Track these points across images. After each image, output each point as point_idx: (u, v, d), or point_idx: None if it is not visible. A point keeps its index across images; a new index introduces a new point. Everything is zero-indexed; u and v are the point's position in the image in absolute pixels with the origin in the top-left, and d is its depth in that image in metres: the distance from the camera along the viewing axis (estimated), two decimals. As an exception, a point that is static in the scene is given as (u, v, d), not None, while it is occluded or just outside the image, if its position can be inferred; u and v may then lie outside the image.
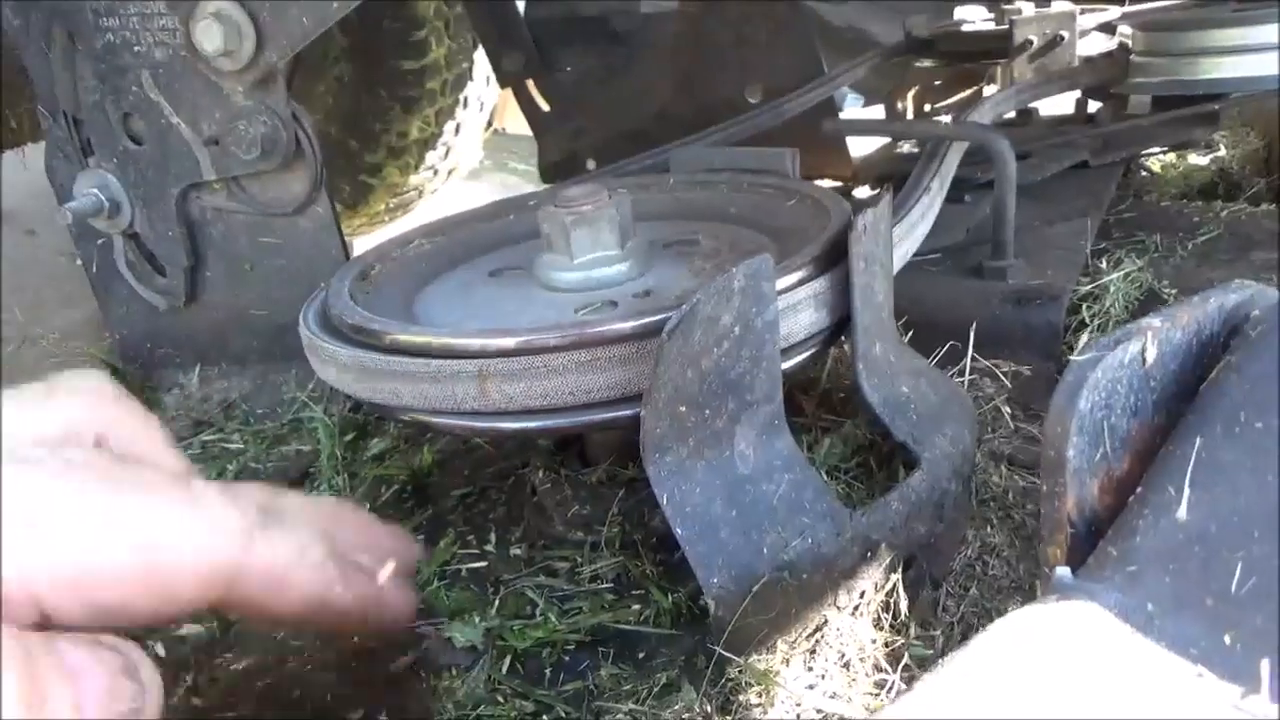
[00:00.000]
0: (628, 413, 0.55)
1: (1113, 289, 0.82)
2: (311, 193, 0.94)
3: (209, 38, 0.86)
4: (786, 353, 0.59)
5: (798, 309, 0.59)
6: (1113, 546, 0.30)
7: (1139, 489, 0.31)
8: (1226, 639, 0.27)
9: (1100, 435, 0.31)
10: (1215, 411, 0.31)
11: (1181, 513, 0.29)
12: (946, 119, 1.69)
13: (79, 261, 1.09)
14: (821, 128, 1.06)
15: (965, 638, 0.60)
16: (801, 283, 0.59)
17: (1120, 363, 0.31)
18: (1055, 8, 1.61)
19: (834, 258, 0.61)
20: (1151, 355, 0.32)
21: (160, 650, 0.74)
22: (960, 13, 1.89)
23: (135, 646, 0.40)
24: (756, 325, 0.54)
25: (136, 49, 0.93)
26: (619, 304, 0.65)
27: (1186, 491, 0.30)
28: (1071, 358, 0.31)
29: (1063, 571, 0.31)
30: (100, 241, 1.04)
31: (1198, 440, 0.30)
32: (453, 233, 0.80)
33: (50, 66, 0.99)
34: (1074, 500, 0.31)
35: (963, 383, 0.73)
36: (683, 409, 0.53)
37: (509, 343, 0.54)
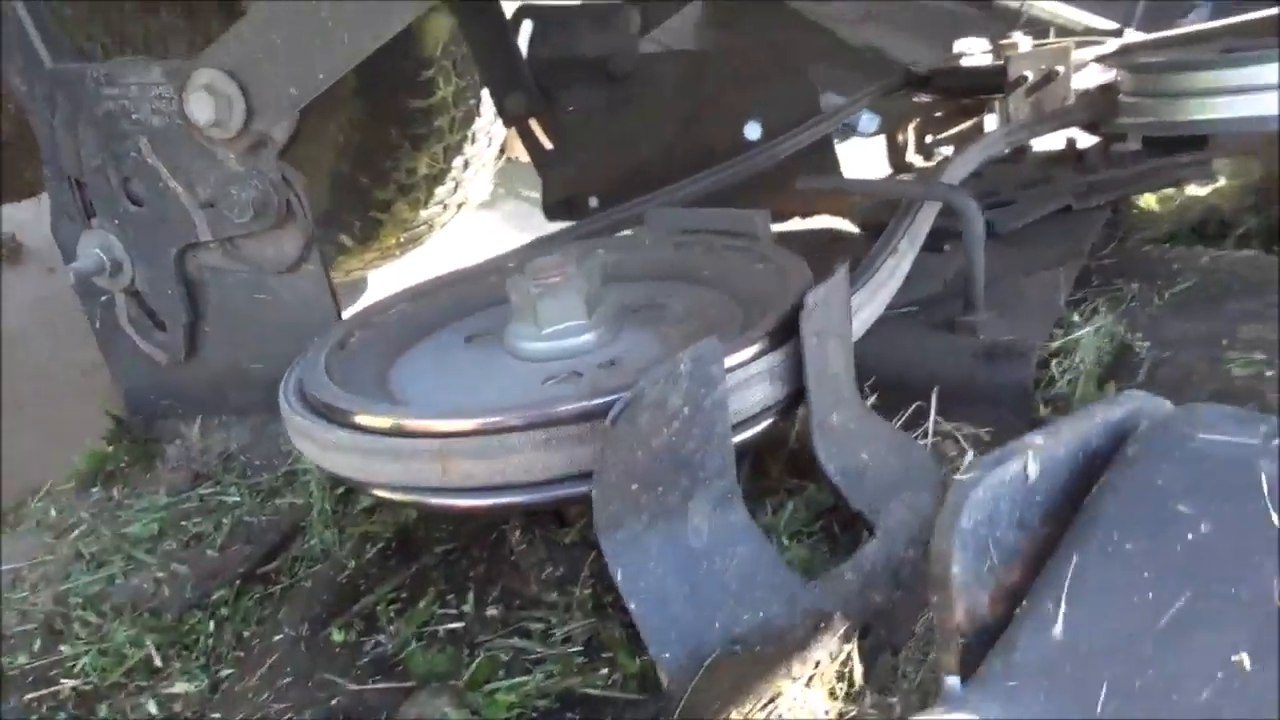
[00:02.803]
0: (584, 489, 0.57)
1: (1083, 343, 0.82)
2: (303, 252, 0.97)
3: (201, 109, 0.89)
4: (742, 425, 0.61)
5: (751, 384, 0.60)
6: (998, 659, 0.32)
7: (1024, 602, 0.32)
8: (1092, 761, 0.28)
9: (986, 549, 0.33)
10: (1091, 530, 0.32)
11: (1057, 630, 0.31)
12: (947, 151, 1.70)
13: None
14: (798, 187, 1.08)
15: (924, 704, 0.61)
16: (755, 358, 0.60)
17: (1002, 480, 0.32)
18: (1051, 43, 1.62)
19: (789, 330, 0.62)
20: (1034, 472, 0.33)
21: (153, 708, 0.76)
22: (960, 45, 1.90)
23: None
24: (706, 405, 0.55)
25: (135, 116, 0.97)
26: (584, 374, 0.67)
27: (1063, 608, 0.31)
28: (955, 477, 0.32)
29: (952, 681, 0.32)
30: (103, 298, 1.08)
31: (1075, 558, 0.32)
32: (434, 296, 0.83)
33: (55, 132, 1.03)
34: (964, 611, 0.33)
35: (926, 445, 0.74)
36: (634, 487, 0.55)
37: (467, 424, 0.56)
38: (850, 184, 1.22)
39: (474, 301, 0.83)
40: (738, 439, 0.60)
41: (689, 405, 0.55)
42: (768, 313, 0.64)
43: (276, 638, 0.77)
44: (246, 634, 0.81)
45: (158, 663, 0.79)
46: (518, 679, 0.66)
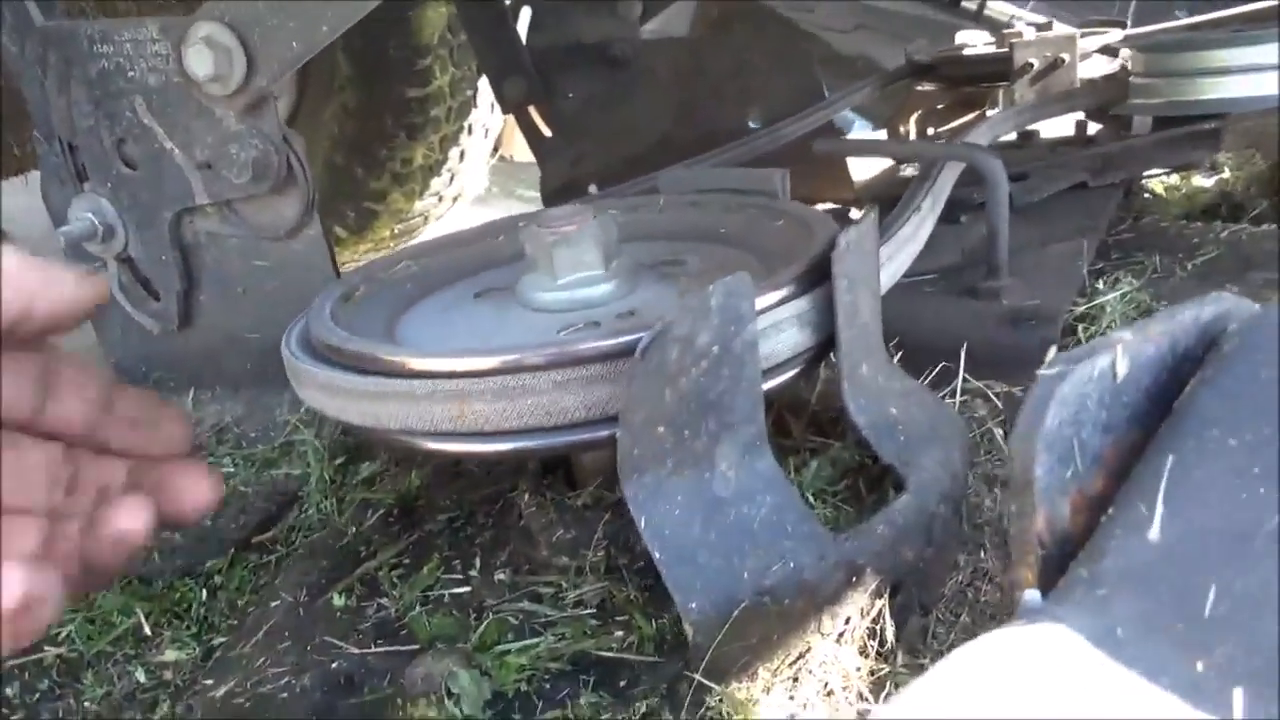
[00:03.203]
0: (605, 433, 0.54)
1: (1109, 309, 0.80)
2: (303, 216, 0.94)
3: (200, 63, 0.86)
4: (769, 372, 0.58)
5: (780, 328, 0.58)
6: (1084, 568, 0.29)
7: (1111, 508, 0.30)
8: (1199, 666, 0.25)
9: (1070, 452, 0.30)
10: (1189, 427, 0.30)
11: (1153, 533, 0.28)
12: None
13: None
14: (815, 149, 1.06)
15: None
16: (784, 301, 0.58)
17: (1089, 377, 0.30)
18: (1055, 31, 1.61)
19: (818, 276, 0.60)
20: (1123, 369, 0.30)
21: (141, 676, 0.73)
22: (961, 37, 1.89)
23: None
24: (735, 345, 0.53)
25: (130, 75, 0.94)
26: (602, 324, 0.65)
27: (1159, 510, 0.28)
28: (1039, 372, 0.30)
29: (1032, 594, 0.29)
30: (94, 266, 1.04)
31: (1170, 457, 0.29)
32: (440, 254, 0.80)
33: (46, 93, 0.99)
34: (1044, 520, 0.30)
35: (954, 404, 0.72)
36: (660, 430, 0.52)
37: (484, 363, 0.53)
38: (870, 145, 1.21)
39: (480, 260, 0.81)
40: (765, 386, 0.57)
41: (718, 344, 0.52)
42: (794, 261, 0.62)
43: (273, 604, 0.73)
44: (241, 602, 0.78)
45: (147, 631, 0.75)
46: (528, 641, 0.63)
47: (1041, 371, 0.30)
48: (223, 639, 0.74)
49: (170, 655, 0.73)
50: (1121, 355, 0.30)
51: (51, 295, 0.48)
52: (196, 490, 0.50)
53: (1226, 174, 1.49)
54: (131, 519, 0.49)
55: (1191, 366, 0.32)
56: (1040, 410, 0.29)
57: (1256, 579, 0.26)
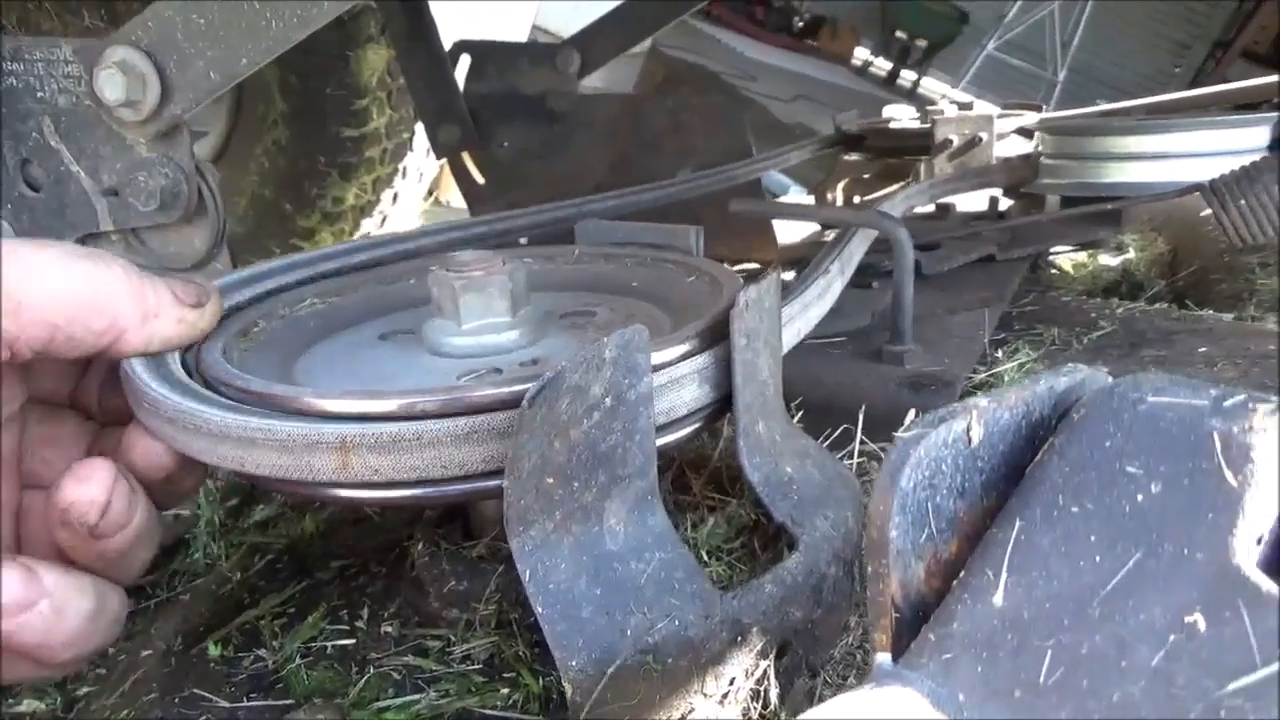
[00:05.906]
0: (494, 484, 0.53)
1: (1007, 378, 0.83)
2: (212, 248, 0.92)
3: (111, 87, 0.84)
4: (668, 428, 0.58)
5: (680, 383, 0.58)
6: (933, 632, 0.29)
7: (962, 573, 0.30)
8: (1033, 734, 0.26)
9: (925, 516, 0.30)
10: (1036, 495, 0.30)
11: (997, 599, 0.28)
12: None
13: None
14: (730, 209, 1.08)
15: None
16: (685, 357, 0.58)
17: (944, 441, 0.30)
18: (975, 110, 1.68)
19: (720, 333, 0.60)
20: (977, 435, 0.31)
21: (-4, 727, 0.69)
22: (888, 111, 1.95)
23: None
24: (629, 397, 0.53)
25: (39, 95, 0.91)
26: (504, 371, 0.64)
27: (1004, 576, 0.29)
28: (896, 435, 0.30)
29: (883, 657, 0.29)
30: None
31: (1018, 523, 0.30)
32: (348, 294, 0.78)
33: (-51, 108, 0.96)
34: (898, 583, 0.30)
35: (851, 465, 0.72)
36: (550, 481, 0.51)
37: (371, 407, 0.52)
38: (783, 208, 1.23)
39: (388, 301, 0.80)
40: (661, 442, 0.57)
41: (612, 395, 0.52)
42: (698, 317, 0.62)
43: (144, 653, 0.70)
44: (112, 649, 0.74)
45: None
46: (410, 697, 0.61)
47: (898, 434, 0.30)
48: (89, 689, 0.70)
49: (28, 705, 0.69)
50: (976, 421, 0.31)
51: (151, 326, 0.55)
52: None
53: (1131, 254, 1.56)
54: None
55: (1044, 435, 0.32)
56: (895, 473, 0.30)
57: (1090, 646, 0.26)
